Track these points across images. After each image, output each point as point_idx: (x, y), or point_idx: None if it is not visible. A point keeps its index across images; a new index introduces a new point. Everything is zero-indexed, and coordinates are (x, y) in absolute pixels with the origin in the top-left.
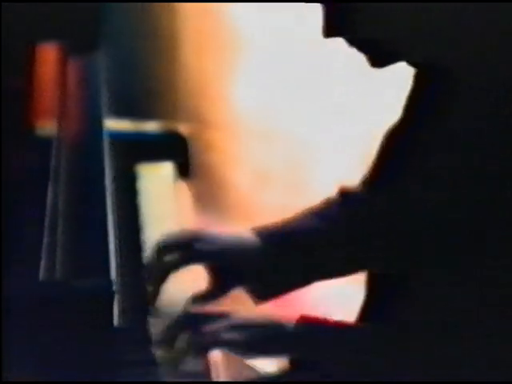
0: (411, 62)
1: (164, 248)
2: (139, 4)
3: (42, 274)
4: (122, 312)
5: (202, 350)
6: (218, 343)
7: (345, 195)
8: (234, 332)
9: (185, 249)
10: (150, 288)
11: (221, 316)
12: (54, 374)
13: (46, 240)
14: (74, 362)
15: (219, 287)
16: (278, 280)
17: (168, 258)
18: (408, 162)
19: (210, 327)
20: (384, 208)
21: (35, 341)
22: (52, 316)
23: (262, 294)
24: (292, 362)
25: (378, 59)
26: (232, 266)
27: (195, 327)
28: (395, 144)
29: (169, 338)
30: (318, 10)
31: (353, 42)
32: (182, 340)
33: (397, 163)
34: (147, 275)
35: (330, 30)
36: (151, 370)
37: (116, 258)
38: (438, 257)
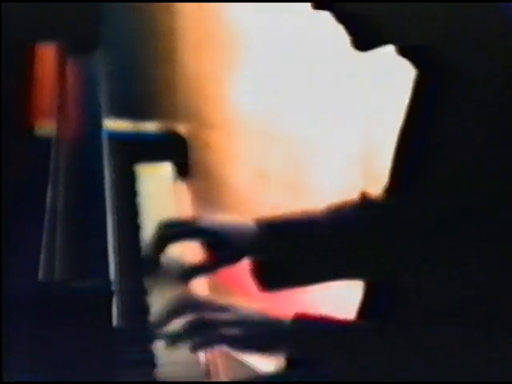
0: (398, 47)
1: (167, 224)
2: (138, 4)
3: (41, 274)
4: (121, 312)
5: (203, 346)
6: (218, 339)
7: (366, 200)
8: (233, 328)
9: (187, 224)
10: (149, 257)
11: (221, 309)
12: (53, 374)
13: (45, 240)
14: (74, 361)
15: (216, 262)
16: (283, 272)
17: (170, 230)
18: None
19: (210, 321)
20: (404, 215)
21: (35, 341)
22: (51, 316)
23: (268, 283)
24: (289, 361)
25: (364, 39)
26: (231, 243)
27: (194, 313)
28: (408, 149)
29: (166, 320)
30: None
31: (340, 16)
32: (180, 324)
33: (414, 168)
34: (148, 246)
35: (318, 3)
36: (150, 369)
37: (115, 258)
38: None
